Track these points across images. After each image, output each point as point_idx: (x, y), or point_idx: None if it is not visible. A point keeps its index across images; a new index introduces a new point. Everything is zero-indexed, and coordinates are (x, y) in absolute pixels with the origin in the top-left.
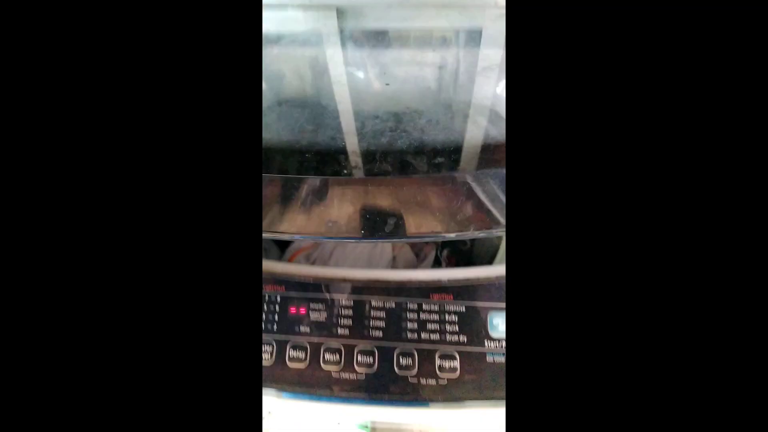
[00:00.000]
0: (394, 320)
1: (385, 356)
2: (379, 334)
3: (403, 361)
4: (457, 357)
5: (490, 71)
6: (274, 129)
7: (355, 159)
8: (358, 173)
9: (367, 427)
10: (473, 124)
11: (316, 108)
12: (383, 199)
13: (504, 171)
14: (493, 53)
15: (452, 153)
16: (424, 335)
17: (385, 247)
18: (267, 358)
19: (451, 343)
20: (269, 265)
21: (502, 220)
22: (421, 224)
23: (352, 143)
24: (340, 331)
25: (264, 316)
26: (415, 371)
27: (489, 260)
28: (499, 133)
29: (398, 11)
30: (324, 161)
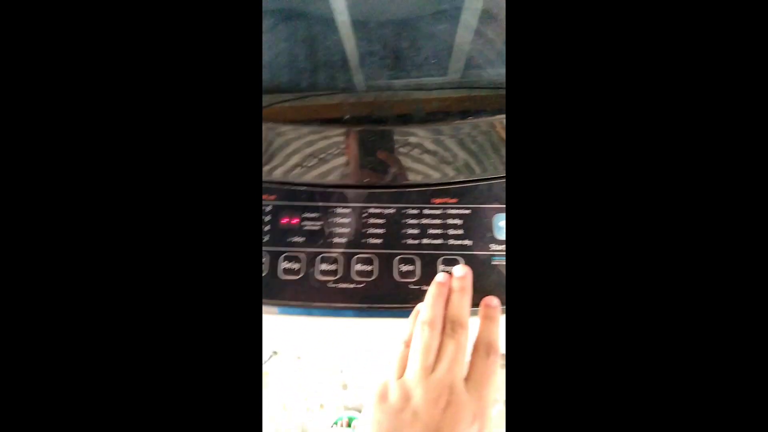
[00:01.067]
0: (394, 227)
1: (385, 264)
2: (378, 241)
3: (404, 268)
4: (461, 262)
5: None
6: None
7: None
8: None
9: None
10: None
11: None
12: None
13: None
14: None
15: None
16: (426, 241)
17: None
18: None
19: (454, 247)
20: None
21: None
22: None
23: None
24: (336, 240)
25: None
26: (416, 278)
27: None
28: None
29: None
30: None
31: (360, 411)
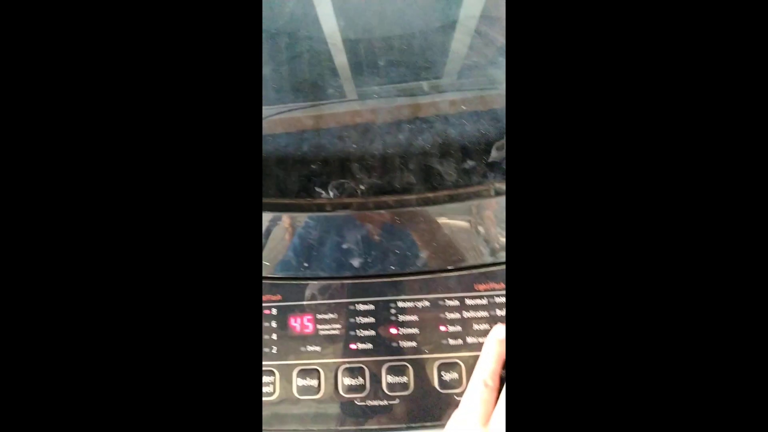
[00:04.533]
0: (431, 324)
1: (421, 372)
2: (412, 344)
3: (447, 376)
4: None
5: None
6: None
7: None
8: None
9: None
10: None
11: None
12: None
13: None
14: None
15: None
16: (470, 339)
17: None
18: (268, 392)
19: None
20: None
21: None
22: None
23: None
24: (359, 345)
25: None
26: (463, 387)
27: None
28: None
29: None
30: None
31: None
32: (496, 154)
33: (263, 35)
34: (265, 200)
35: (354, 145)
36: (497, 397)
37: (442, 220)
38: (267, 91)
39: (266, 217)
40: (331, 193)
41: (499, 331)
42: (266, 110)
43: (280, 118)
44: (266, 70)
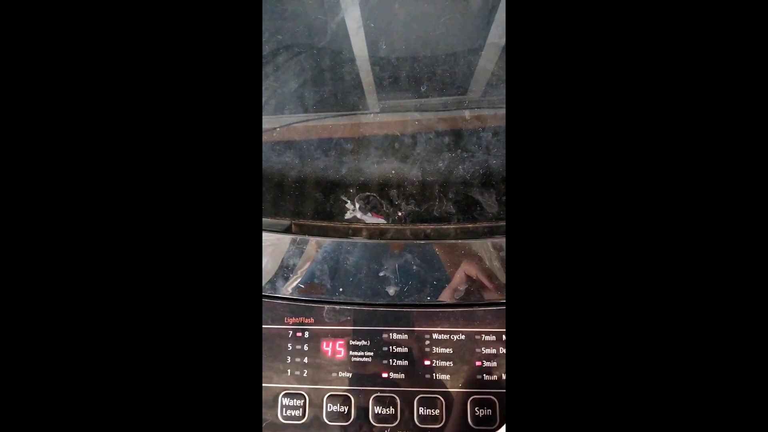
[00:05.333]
0: (466, 358)
1: (454, 406)
2: (446, 377)
3: (480, 412)
4: None
5: None
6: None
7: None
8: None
9: None
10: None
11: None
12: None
13: None
14: None
15: None
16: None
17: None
18: (297, 415)
19: None
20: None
21: None
22: None
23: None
24: (392, 375)
25: (289, 359)
26: (497, 424)
27: None
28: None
29: None
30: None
31: None
32: None
33: (301, 51)
34: (302, 222)
35: (393, 171)
36: None
37: (480, 253)
38: (300, 104)
39: (294, 239)
40: (357, 205)
41: None
42: (294, 118)
43: (307, 125)
44: (299, 85)
